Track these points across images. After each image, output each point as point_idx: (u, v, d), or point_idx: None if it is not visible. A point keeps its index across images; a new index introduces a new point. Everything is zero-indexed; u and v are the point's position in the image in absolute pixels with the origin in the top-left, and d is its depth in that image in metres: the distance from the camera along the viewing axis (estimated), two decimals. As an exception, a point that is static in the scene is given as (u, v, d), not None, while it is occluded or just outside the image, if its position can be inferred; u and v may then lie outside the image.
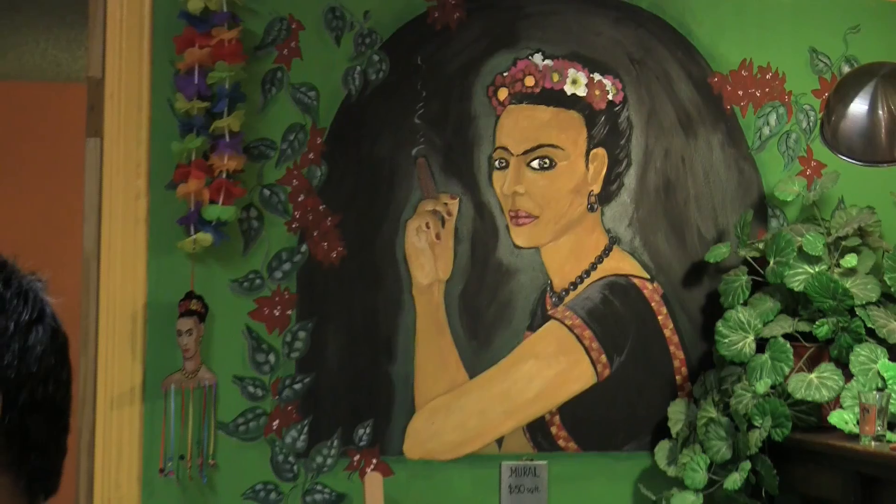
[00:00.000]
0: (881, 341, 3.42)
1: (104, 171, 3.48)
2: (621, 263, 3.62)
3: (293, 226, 3.51)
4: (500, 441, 3.57)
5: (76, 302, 3.27)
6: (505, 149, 3.55)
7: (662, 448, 3.55)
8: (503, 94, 3.55)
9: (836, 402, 3.39)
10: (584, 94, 3.59)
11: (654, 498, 3.56)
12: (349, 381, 3.53)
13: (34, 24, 5.06)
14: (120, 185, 3.46)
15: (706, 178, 3.68)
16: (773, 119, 3.70)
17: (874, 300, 3.45)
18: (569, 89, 3.58)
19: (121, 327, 3.47)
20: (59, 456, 1.62)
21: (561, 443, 3.59)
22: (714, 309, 3.59)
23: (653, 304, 3.62)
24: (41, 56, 5.36)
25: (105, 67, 3.48)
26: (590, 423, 3.63)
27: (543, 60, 3.58)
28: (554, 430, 3.59)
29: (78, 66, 4.12)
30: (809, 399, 3.32)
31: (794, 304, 3.44)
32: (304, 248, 3.52)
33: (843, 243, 3.50)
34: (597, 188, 3.60)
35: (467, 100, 3.56)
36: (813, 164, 3.66)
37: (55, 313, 1.64)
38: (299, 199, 3.51)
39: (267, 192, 3.50)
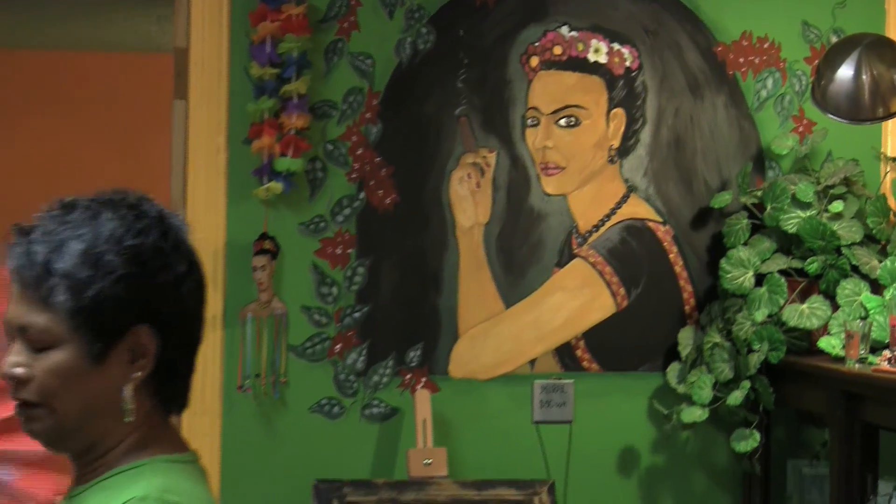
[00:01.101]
0: (864, 277, 3.64)
1: (189, 129, 3.73)
2: (637, 209, 3.82)
3: (352, 176, 3.73)
4: (532, 362, 3.79)
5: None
6: (536, 109, 3.77)
7: (673, 369, 3.76)
8: (534, 61, 3.76)
9: (824, 330, 3.60)
10: (605, 62, 3.77)
11: (665, 412, 3.75)
12: (401, 311, 3.76)
13: (129, 2, 5.27)
14: (202, 142, 3.70)
15: (711, 134, 3.85)
16: (769, 83, 3.85)
17: (858, 241, 3.63)
18: (591, 57, 3.79)
19: (204, 264, 3.78)
20: (190, 378, 1.91)
21: (585, 364, 3.81)
22: (718, 248, 3.78)
23: (665, 244, 3.82)
24: (134, 29, 5.62)
25: (189, 39, 3.70)
26: (610, 347, 3.83)
27: (569, 32, 3.77)
28: (579, 353, 3.81)
29: (165, 38, 4.35)
30: (801, 327, 3.56)
31: (788, 244, 3.66)
32: (361, 195, 3.74)
33: (831, 191, 3.68)
34: (616, 143, 3.81)
35: (503, 67, 3.76)
36: (804, 122, 3.84)
37: (198, 259, 1.94)
38: (357, 153, 3.72)
39: (330, 146, 3.72)
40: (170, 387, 1.87)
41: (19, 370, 1.81)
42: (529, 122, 3.78)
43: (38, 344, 1.79)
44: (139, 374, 1.81)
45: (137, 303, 1.79)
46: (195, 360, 1.90)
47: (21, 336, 1.82)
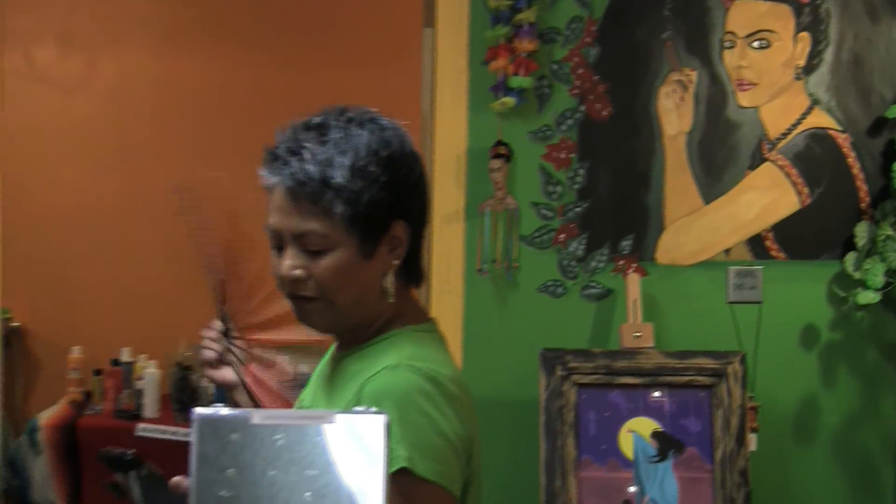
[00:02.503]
0: None
1: (436, 53, 3.94)
2: (820, 119, 3.91)
3: (574, 91, 3.88)
4: (726, 251, 3.93)
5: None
6: (732, 33, 3.88)
7: (850, 257, 3.87)
8: (731, -9, 3.75)
9: None
10: (794, -9, 3.74)
11: (843, 295, 3.89)
12: (615, 206, 3.91)
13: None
14: (447, 64, 3.92)
15: (887, 54, 3.90)
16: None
17: None
18: (781, -13, 3.76)
19: (449, 167, 3.91)
20: (422, 255, 2.15)
21: (773, 253, 3.94)
22: (891, 153, 3.88)
23: (843, 149, 3.91)
24: None
25: None
26: (795, 238, 3.93)
27: (763, -34, 3.75)
28: (767, 243, 3.94)
29: None
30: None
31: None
32: (582, 108, 3.88)
33: None
34: (802, 62, 3.90)
35: None
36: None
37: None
38: (578, 72, 3.88)
39: (555, 66, 3.89)
40: (413, 266, 2.11)
41: (299, 272, 2.02)
42: (726, 44, 3.88)
43: (315, 247, 2.00)
44: (397, 261, 2.05)
45: (395, 202, 2.01)
46: (423, 237, 2.12)
47: (296, 242, 2.01)
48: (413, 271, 2.12)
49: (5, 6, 3.89)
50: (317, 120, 2.03)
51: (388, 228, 2.01)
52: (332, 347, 2.24)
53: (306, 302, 2.04)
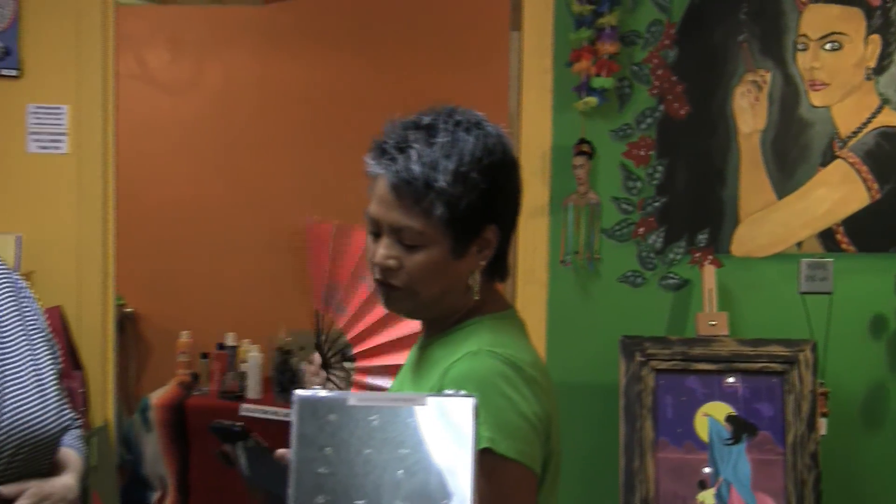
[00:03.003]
0: None
1: (522, 55, 3.94)
2: (889, 118, 3.87)
3: (653, 91, 3.88)
4: (798, 244, 3.91)
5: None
6: (805, 36, 3.86)
7: None
8: (804, -4, 3.76)
9: None
10: (865, -5, 3.74)
11: None
12: (692, 201, 3.90)
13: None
14: (533, 65, 3.91)
15: None
16: None
17: None
18: (852, -8, 3.76)
19: (534, 163, 3.89)
20: (508, 254, 2.13)
21: (843, 246, 3.91)
22: None
23: None
24: None
25: None
26: (864, 231, 3.90)
27: (834, -30, 3.74)
28: (838, 236, 3.91)
29: None
30: None
31: None
32: (661, 107, 3.88)
33: None
34: (872, 63, 3.87)
35: (777, 2, 3.85)
36: None
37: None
38: (658, 73, 3.88)
39: (635, 67, 3.89)
40: (499, 264, 2.11)
41: (392, 262, 2.02)
42: (799, 46, 3.86)
43: (410, 242, 1.99)
44: (483, 262, 2.05)
45: (491, 208, 2.01)
46: (511, 237, 2.12)
47: (393, 234, 2.01)
48: (499, 269, 2.12)
49: (120, 13, 3.98)
50: (426, 120, 2.02)
51: (480, 232, 2.01)
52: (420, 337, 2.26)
53: (392, 289, 2.05)
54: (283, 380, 5.67)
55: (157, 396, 5.74)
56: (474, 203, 1.97)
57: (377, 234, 2.05)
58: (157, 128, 6.79)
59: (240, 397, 5.70)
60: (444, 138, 1.97)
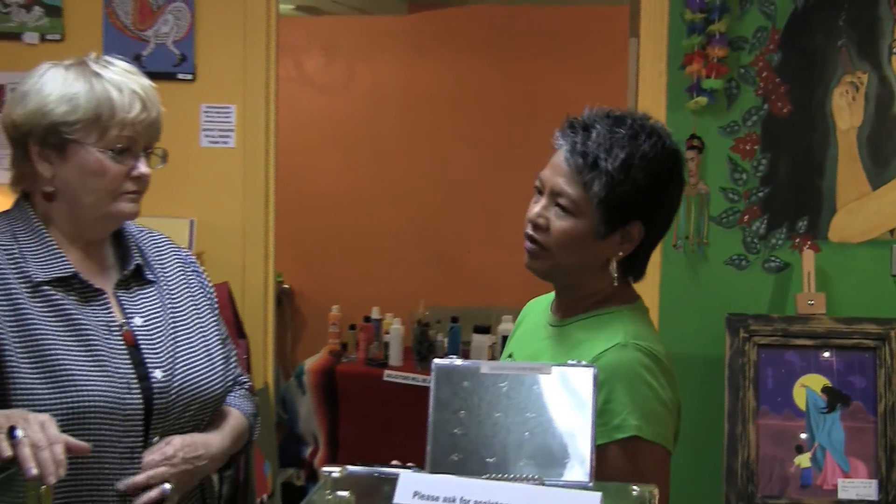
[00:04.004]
0: None
1: (640, 59, 3.94)
2: None
3: (758, 92, 3.83)
4: (891, 231, 3.84)
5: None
6: None
7: None
8: (900, 3, 3.67)
9: None
10: (958, 1, 3.63)
11: None
12: (793, 191, 3.85)
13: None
14: (649, 68, 3.91)
15: None
16: None
17: None
18: (948, -3, 3.65)
19: None
20: (649, 256, 2.14)
21: None
22: None
23: None
24: None
25: None
26: None
27: (929, -19, 3.65)
28: None
29: None
30: None
31: None
32: (765, 106, 3.83)
33: None
34: None
35: (874, 8, 3.78)
36: None
37: (685, 179, 2.11)
38: (763, 75, 3.83)
39: (742, 70, 3.84)
40: (639, 263, 2.12)
41: (542, 220, 2.06)
42: (894, 50, 3.79)
43: (567, 207, 2.02)
44: (622, 253, 2.06)
45: (642, 207, 2.02)
46: (657, 244, 2.13)
47: (552, 196, 2.04)
48: (637, 268, 2.13)
49: (281, 24, 4.09)
50: (618, 113, 2.05)
51: (626, 223, 2.02)
52: (536, 309, 2.30)
53: (536, 246, 2.07)
54: (421, 349, 5.76)
55: (311, 363, 5.87)
56: (628, 195, 1.98)
57: (541, 194, 2.08)
58: (312, 125, 6.95)
59: (383, 364, 5.81)
60: (626, 132, 1.99)
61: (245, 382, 2.47)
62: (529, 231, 2.07)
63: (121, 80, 2.14)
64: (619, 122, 2.01)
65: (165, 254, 2.37)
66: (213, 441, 2.26)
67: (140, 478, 2.10)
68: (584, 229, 2.01)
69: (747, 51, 3.87)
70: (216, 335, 2.35)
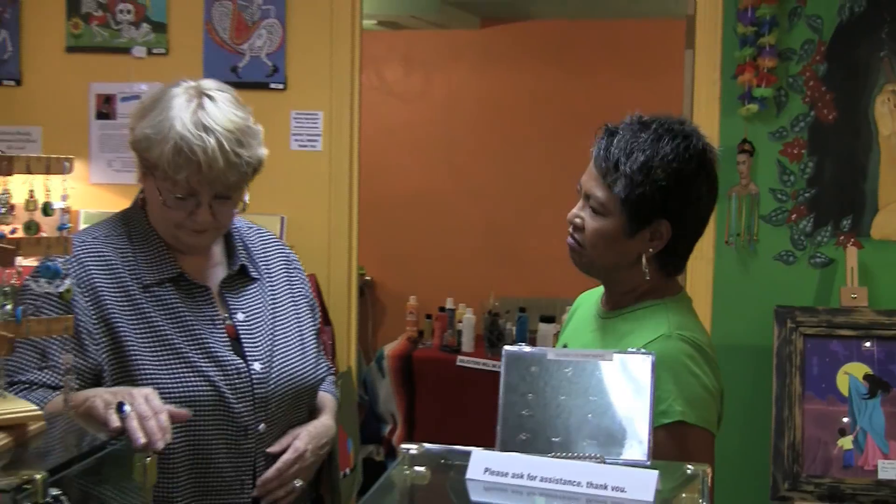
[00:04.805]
0: None
1: (695, 69, 3.90)
2: None
3: (806, 100, 3.79)
4: None
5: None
6: None
7: None
8: (941, 17, 3.63)
9: None
10: None
11: None
12: (838, 192, 3.80)
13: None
14: (704, 77, 3.87)
15: None
16: None
17: None
18: None
19: None
20: (688, 255, 2.08)
21: None
22: None
23: None
24: (659, 4, 6.08)
25: (696, 8, 3.87)
26: None
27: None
28: None
29: (679, 8, 4.44)
30: None
31: None
32: (812, 113, 3.79)
33: None
34: None
35: None
36: None
37: (716, 179, 2.03)
38: (810, 84, 3.79)
39: (790, 79, 3.79)
40: (670, 259, 2.06)
41: (578, 220, 2.06)
42: None
43: (596, 209, 2.02)
44: (651, 250, 2.01)
45: (666, 206, 1.97)
46: (693, 245, 2.07)
47: (586, 199, 2.05)
48: (673, 263, 2.08)
49: (364, 38, 4.13)
50: (646, 118, 2.02)
51: (652, 222, 1.98)
52: (588, 301, 2.28)
53: (575, 244, 2.07)
54: (491, 337, 5.79)
55: (390, 348, 5.91)
56: (650, 195, 1.95)
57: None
58: (392, 131, 7.00)
59: (456, 350, 5.84)
60: (649, 136, 1.97)
61: (329, 368, 2.49)
62: (570, 230, 2.08)
63: (210, 124, 2.04)
64: (644, 127, 1.99)
65: (271, 251, 2.38)
66: (330, 425, 2.30)
67: (272, 475, 2.15)
68: (613, 228, 2.00)
69: (795, 61, 3.83)
70: (312, 330, 2.36)
